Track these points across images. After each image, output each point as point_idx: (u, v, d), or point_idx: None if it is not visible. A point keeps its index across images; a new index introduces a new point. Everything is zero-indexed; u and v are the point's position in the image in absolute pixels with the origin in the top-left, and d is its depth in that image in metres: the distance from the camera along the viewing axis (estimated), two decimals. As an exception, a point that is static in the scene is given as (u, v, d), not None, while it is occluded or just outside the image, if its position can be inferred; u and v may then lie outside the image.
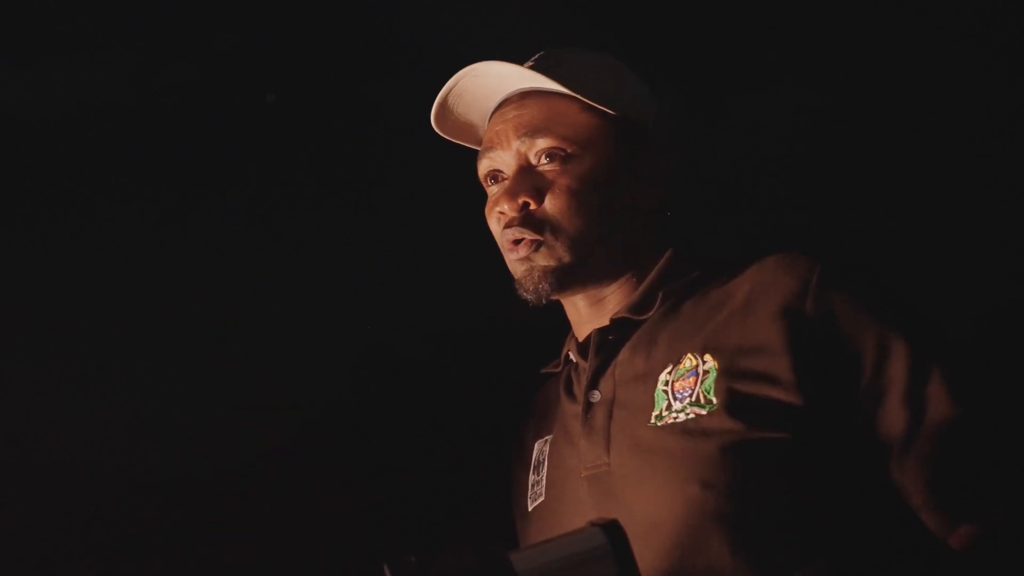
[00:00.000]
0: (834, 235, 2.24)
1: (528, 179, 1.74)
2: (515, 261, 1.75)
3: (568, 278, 1.73)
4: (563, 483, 1.72)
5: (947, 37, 2.24)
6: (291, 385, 2.37)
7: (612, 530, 1.27)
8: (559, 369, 1.86)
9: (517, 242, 1.73)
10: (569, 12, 2.31)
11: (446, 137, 1.88)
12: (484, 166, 1.81)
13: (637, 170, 1.77)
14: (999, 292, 2.20)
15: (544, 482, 1.76)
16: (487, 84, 1.79)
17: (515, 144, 1.75)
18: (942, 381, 1.54)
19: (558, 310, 1.85)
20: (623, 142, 1.76)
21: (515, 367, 2.05)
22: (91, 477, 2.21)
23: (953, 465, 1.53)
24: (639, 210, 1.77)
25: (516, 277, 1.76)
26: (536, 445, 1.83)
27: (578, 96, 1.74)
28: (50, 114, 2.33)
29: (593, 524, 1.29)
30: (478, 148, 1.84)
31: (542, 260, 1.72)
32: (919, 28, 2.26)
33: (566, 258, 1.72)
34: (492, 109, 1.82)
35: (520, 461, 1.85)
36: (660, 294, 1.73)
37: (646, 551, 1.46)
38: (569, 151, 1.74)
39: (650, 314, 1.73)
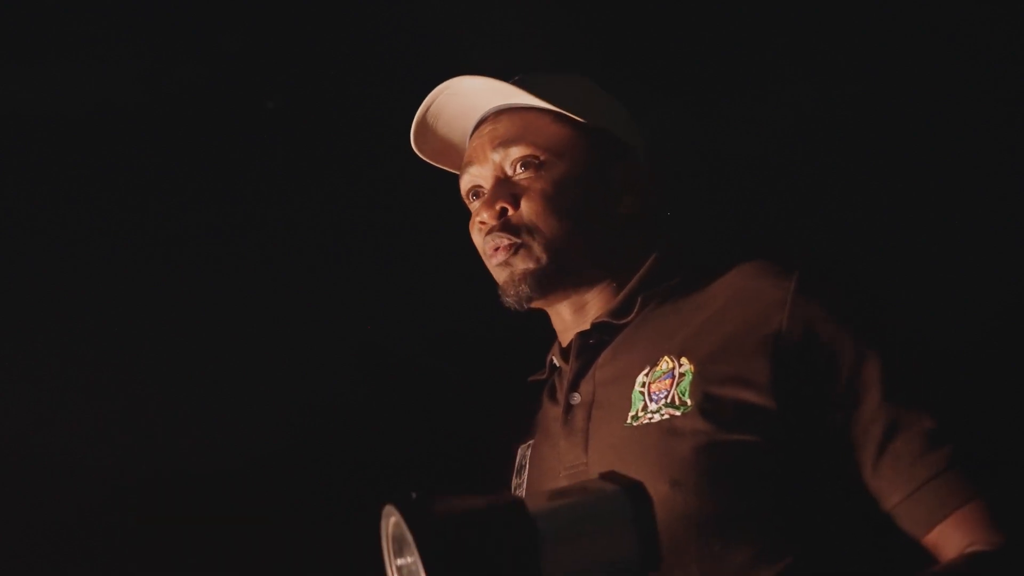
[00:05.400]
0: (832, 235, 2.23)
1: (505, 187, 1.79)
2: (496, 267, 1.80)
3: (547, 281, 1.77)
4: (542, 484, 1.74)
5: (947, 37, 2.23)
6: (290, 385, 2.38)
7: (636, 493, 1.19)
8: (545, 376, 1.89)
9: (497, 248, 1.77)
10: (567, 12, 2.31)
11: (426, 159, 1.95)
12: (465, 183, 1.87)
13: (612, 177, 1.82)
14: (999, 292, 2.19)
15: (524, 485, 1.79)
16: (463, 103, 1.85)
17: (491, 156, 1.81)
18: (917, 386, 1.57)
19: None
20: (595, 151, 1.82)
21: (513, 368, 2.06)
22: (91, 477, 2.22)
23: (928, 467, 1.54)
24: (617, 216, 1.81)
25: (499, 284, 1.81)
26: (519, 450, 1.86)
27: (549, 107, 1.79)
28: (53, 114, 2.34)
29: (615, 483, 1.19)
30: (458, 172, 1.90)
31: (520, 263, 1.77)
32: (919, 28, 2.25)
33: (543, 259, 1.76)
34: (470, 130, 1.88)
35: (505, 467, 1.87)
36: (640, 299, 1.76)
37: None
38: (543, 158, 1.78)
39: (630, 318, 1.76)
